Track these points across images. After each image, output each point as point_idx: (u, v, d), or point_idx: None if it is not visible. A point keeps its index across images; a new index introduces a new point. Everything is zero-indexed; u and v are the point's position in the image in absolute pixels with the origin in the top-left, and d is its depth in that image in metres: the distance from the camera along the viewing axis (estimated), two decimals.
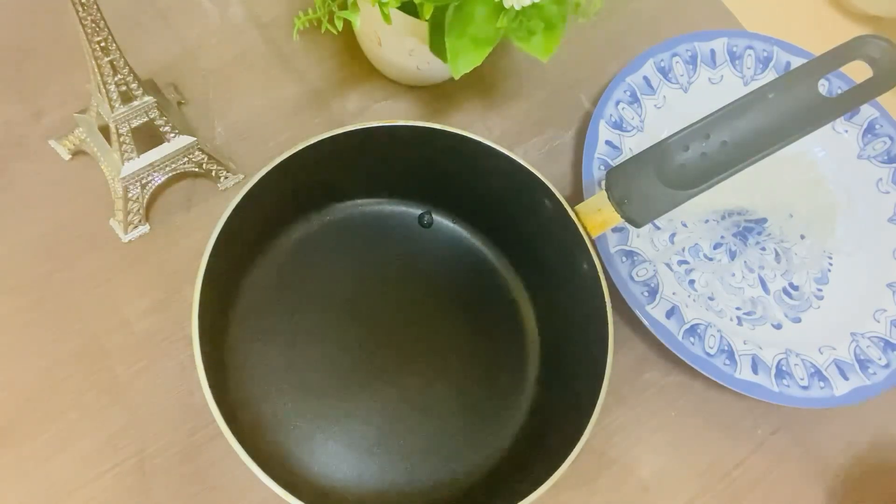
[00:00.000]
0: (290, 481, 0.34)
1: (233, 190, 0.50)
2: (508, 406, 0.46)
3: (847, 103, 0.39)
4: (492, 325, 0.49)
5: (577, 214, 0.44)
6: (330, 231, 0.49)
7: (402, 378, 0.46)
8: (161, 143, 0.46)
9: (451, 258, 0.50)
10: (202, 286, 0.38)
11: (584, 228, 0.43)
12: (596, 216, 0.43)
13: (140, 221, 0.47)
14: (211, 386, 0.36)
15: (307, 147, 0.42)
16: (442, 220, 0.51)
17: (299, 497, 0.34)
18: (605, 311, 0.41)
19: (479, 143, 0.44)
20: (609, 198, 0.42)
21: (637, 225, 0.41)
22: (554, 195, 0.44)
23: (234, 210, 0.40)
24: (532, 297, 0.49)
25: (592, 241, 0.43)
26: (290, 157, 0.41)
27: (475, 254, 0.50)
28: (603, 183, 0.45)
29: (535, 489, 0.36)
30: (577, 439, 0.38)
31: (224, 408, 0.36)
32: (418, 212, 0.50)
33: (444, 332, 0.48)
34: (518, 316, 0.49)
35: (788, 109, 0.40)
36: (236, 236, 0.40)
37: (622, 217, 0.41)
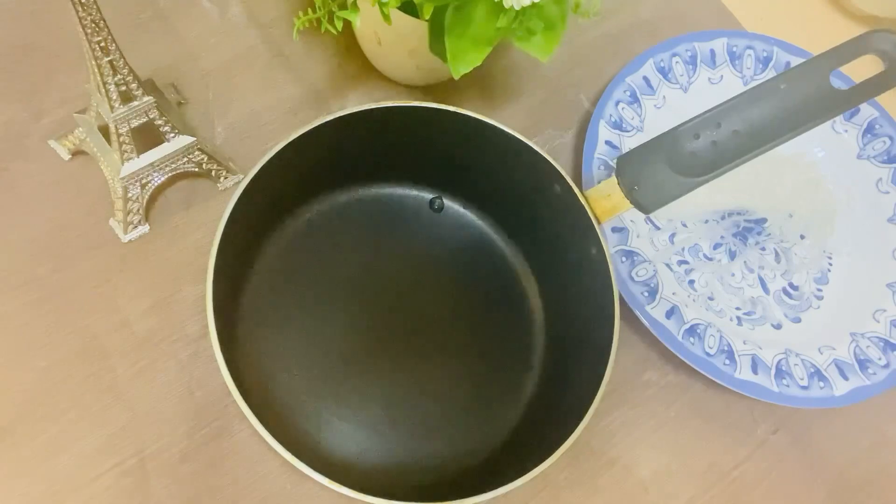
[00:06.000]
0: (298, 454, 0.35)
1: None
2: (512, 389, 0.47)
3: (858, 96, 0.39)
4: (499, 309, 0.49)
5: (586, 199, 0.44)
6: (341, 214, 0.49)
7: (408, 359, 0.46)
8: (161, 143, 0.46)
9: (461, 243, 0.50)
10: (216, 256, 0.38)
11: (594, 214, 0.44)
12: (605, 201, 0.43)
13: (140, 221, 0.47)
14: (226, 361, 0.36)
15: (321, 125, 0.42)
16: (452, 205, 0.51)
17: (309, 464, 0.34)
18: (612, 297, 0.42)
19: (492, 125, 0.44)
20: (619, 184, 0.42)
21: (646, 211, 0.42)
22: (564, 180, 0.44)
23: (249, 184, 0.40)
24: (539, 282, 0.50)
25: (601, 227, 0.43)
26: (303, 135, 0.42)
27: (485, 238, 0.51)
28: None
29: (524, 473, 0.36)
30: (576, 426, 0.38)
31: (237, 382, 0.36)
32: (429, 196, 0.51)
33: (452, 316, 0.48)
34: (525, 301, 0.49)
35: (799, 100, 0.40)
36: (249, 215, 0.41)
37: (631, 203, 0.42)
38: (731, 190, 0.56)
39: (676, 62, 0.59)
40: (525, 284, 0.50)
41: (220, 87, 0.53)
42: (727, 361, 0.48)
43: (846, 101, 0.39)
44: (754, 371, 0.48)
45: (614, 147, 0.54)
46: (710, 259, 0.55)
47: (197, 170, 0.48)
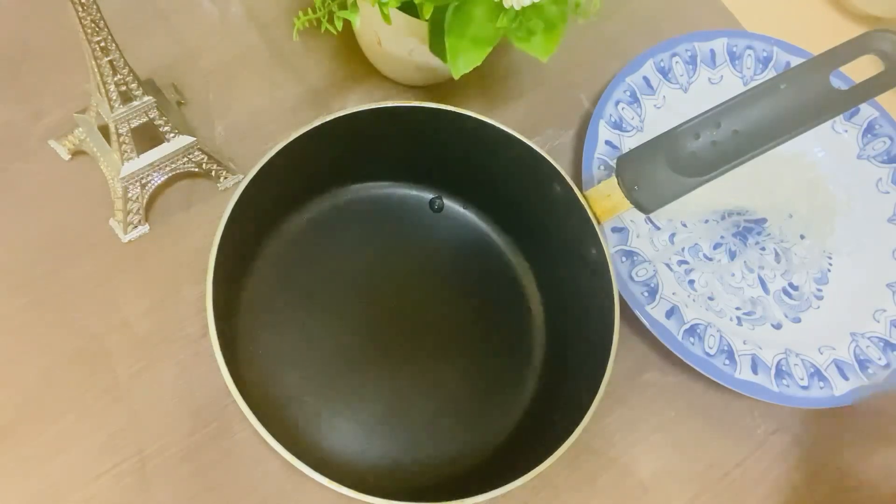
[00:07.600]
0: (298, 454, 0.35)
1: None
2: (512, 389, 0.47)
3: (857, 96, 0.39)
4: (499, 310, 0.49)
5: (586, 199, 0.44)
6: (341, 213, 0.49)
7: (408, 359, 0.47)
8: (161, 143, 0.46)
9: (461, 243, 0.51)
10: (216, 256, 0.38)
11: (594, 214, 0.44)
12: (605, 201, 0.43)
13: (140, 221, 0.47)
14: (226, 361, 0.36)
15: (321, 125, 0.42)
16: (452, 205, 0.51)
17: (309, 464, 0.35)
18: (612, 297, 0.42)
19: (492, 125, 0.45)
20: (619, 183, 0.42)
21: (646, 211, 0.42)
22: (564, 180, 0.44)
23: (249, 184, 0.40)
24: (539, 282, 0.50)
25: (601, 227, 0.44)
26: (303, 135, 0.42)
27: (484, 239, 0.51)
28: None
29: (524, 473, 0.37)
30: (576, 426, 0.38)
31: (237, 382, 0.36)
32: (429, 196, 0.51)
33: (452, 316, 0.48)
34: (525, 301, 0.49)
35: (799, 101, 0.40)
36: (249, 215, 0.41)
37: (631, 203, 0.42)
38: (731, 190, 0.56)
39: (676, 62, 0.59)
40: (525, 284, 0.50)
41: (220, 87, 0.53)
42: (727, 361, 0.48)
43: (846, 101, 0.40)
44: (754, 371, 0.48)
45: (614, 147, 0.54)
46: (710, 259, 0.55)
47: (197, 170, 0.48)
